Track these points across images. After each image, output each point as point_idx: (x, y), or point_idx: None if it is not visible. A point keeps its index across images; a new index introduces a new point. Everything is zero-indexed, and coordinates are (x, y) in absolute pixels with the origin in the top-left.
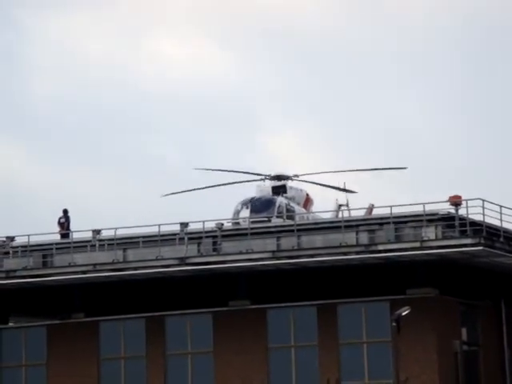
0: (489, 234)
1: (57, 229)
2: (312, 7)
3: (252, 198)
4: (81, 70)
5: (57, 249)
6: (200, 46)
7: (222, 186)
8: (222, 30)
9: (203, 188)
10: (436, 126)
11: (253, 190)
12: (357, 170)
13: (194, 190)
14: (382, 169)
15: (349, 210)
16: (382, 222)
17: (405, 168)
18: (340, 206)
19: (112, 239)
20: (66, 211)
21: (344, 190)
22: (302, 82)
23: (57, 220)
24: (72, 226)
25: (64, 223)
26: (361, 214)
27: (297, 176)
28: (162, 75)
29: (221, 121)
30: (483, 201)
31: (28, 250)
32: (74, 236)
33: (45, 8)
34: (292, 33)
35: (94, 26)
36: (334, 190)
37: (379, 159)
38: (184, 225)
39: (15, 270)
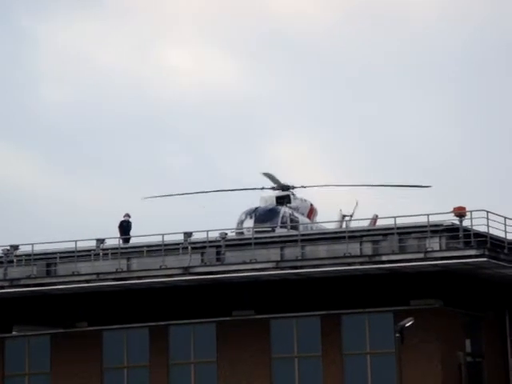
0: (493, 245)
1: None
2: (324, 17)
3: (256, 208)
4: (89, 77)
5: (60, 258)
6: (211, 55)
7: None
8: (233, 39)
9: (195, 193)
10: (439, 137)
11: (257, 200)
12: (380, 186)
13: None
14: (406, 186)
15: (352, 220)
16: (386, 232)
17: (429, 186)
18: (344, 216)
19: (116, 248)
20: (126, 215)
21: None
22: (313, 93)
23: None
24: (79, 235)
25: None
26: (365, 224)
27: (304, 187)
28: (171, 84)
29: (229, 130)
30: (487, 212)
31: (32, 258)
32: (77, 245)
33: (54, 16)
34: (304, 43)
35: (104, 34)
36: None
37: (387, 172)
38: (188, 234)
39: (19, 279)
